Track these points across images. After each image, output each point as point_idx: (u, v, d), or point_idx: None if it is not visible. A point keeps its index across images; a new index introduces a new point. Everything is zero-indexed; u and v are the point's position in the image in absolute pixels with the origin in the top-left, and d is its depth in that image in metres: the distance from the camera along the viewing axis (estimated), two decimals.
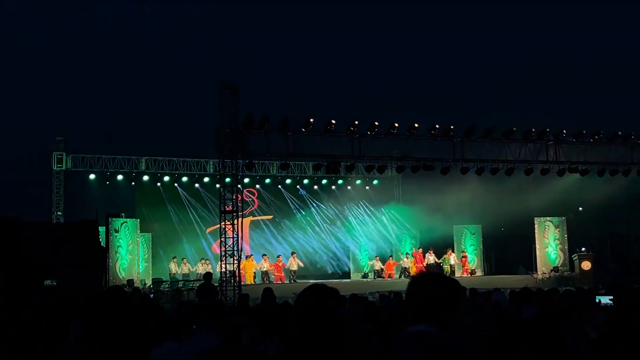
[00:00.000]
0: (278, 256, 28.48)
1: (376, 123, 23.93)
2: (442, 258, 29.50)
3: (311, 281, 27.81)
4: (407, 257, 29.46)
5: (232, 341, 6.31)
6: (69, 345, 5.75)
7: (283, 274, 27.50)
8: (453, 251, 29.97)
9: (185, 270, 27.02)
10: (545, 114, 35.91)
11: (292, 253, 28.96)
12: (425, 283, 3.23)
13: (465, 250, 30.17)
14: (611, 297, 11.68)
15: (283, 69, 48.21)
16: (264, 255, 28.15)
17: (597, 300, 11.02)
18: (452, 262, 29.53)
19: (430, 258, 29.21)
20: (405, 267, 29.04)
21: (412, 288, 3.24)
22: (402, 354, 3.00)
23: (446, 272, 28.34)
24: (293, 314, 3.64)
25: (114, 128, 41.76)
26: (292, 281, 27.08)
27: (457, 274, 28.30)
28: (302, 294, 3.42)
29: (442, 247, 30.07)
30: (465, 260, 29.79)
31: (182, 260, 27.65)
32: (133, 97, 45.22)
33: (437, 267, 28.67)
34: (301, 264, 28.79)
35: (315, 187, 33.23)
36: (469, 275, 28.80)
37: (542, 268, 29.23)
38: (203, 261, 27.77)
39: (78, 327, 5.57)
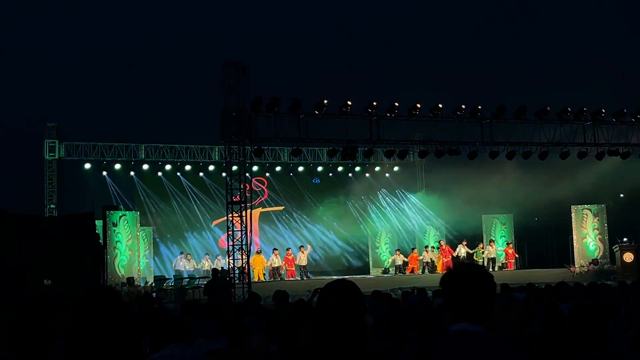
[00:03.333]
0: (287, 249, 28.62)
1: (396, 104, 23.85)
2: (475, 250, 29.42)
3: (325, 278, 27.90)
4: (428, 251, 29.29)
5: (239, 344, 6.33)
6: None
7: (294, 269, 27.62)
8: (493, 242, 29.76)
9: (190, 267, 27.12)
10: (583, 91, 35.73)
11: (301, 247, 28.96)
12: (466, 277, 3.21)
13: (512, 244, 30.00)
14: None
15: (293, 46, 48.08)
16: (275, 250, 28.20)
17: None
18: (493, 255, 29.31)
19: (463, 250, 29.16)
20: (427, 262, 28.96)
21: (452, 281, 3.22)
22: (449, 356, 2.99)
23: (480, 264, 28.32)
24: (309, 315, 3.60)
25: (111, 113, 41.87)
26: (303, 277, 27.17)
27: (489, 266, 28.25)
28: (325, 297, 3.37)
29: (472, 238, 29.97)
30: (510, 252, 29.66)
31: (187, 256, 27.79)
32: (130, 79, 45.26)
33: (470, 259, 28.62)
34: (311, 259, 28.81)
35: (331, 174, 33.24)
36: (511, 269, 28.72)
37: (580, 261, 29.11)
38: (208, 257, 27.90)
39: (59, 349, 5.39)
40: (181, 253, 27.96)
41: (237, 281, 21.63)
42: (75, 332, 4.45)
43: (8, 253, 18.60)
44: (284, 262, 27.62)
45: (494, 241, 29.79)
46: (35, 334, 5.90)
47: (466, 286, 3.18)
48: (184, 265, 27.21)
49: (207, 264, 26.85)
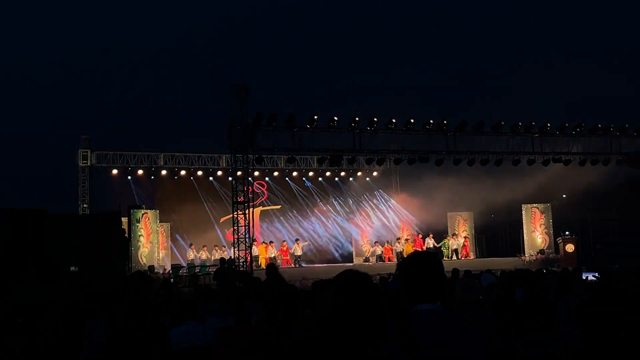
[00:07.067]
0: (283, 242, 28.58)
1: (375, 119, 23.89)
2: (442, 242, 29.43)
3: (315, 266, 27.88)
4: (400, 242, 29.20)
5: (244, 322, 6.34)
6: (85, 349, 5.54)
7: (289, 258, 27.55)
8: (455, 235, 29.65)
9: (204, 257, 27.04)
10: (532, 108, 35.96)
11: (297, 240, 28.97)
12: (426, 264, 3.19)
13: (467, 237, 30.02)
14: (595, 274, 11.69)
15: (289, 68, 48.15)
16: (271, 242, 28.16)
17: (583, 277, 10.97)
18: (456, 247, 29.18)
19: (430, 242, 29.13)
20: (400, 251, 28.87)
21: (414, 268, 3.19)
22: (422, 330, 2.97)
23: (445, 256, 28.34)
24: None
25: (134, 126, 41.80)
26: (297, 265, 27.06)
27: (453, 257, 28.27)
28: (344, 280, 3.36)
29: (440, 233, 29.97)
30: (467, 244, 29.64)
31: (202, 247, 27.72)
32: (151, 98, 45.28)
33: (436, 250, 28.62)
34: (305, 250, 28.75)
35: (320, 179, 33.18)
36: (470, 258, 28.67)
37: (529, 251, 29.18)
38: (217, 248, 27.83)
39: (100, 327, 5.32)
40: (191, 245, 27.84)
41: (241, 268, 21.59)
42: (120, 303, 4.46)
43: (47, 246, 18.52)
44: (278, 252, 27.56)
45: (456, 235, 29.81)
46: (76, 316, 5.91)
47: (421, 269, 3.16)
48: (196, 255, 27.15)
49: (216, 254, 26.76)
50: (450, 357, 2.92)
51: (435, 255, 3.35)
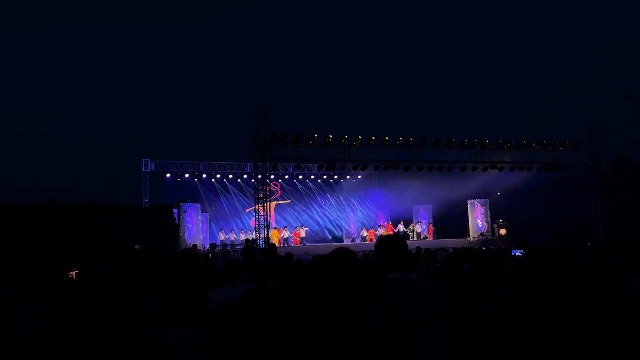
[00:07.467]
0: (295, 227, 28.47)
1: (359, 137, 23.92)
2: (409, 227, 29.39)
3: (315, 245, 27.81)
4: (381, 228, 29.25)
5: (263, 286, 6.33)
6: (143, 308, 5.53)
7: (299, 239, 27.51)
8: (419, 222, 29.52)
9: (233, 238, 27.00)
10: (474, 127, 35.96)
11: (301, 225, 28.92)
12: (395, 244, 3.18)
13: (431, 223, 29.89)
14: (521, 251, 11.69)
15: (297, 95, 48.08)
16: (285, 227, 28.15)
17: (512, 254, 10.97)
18: (419, 230, 29.12)
19: (401, 227, 29.04)
20: (380, 234, 28.74)
21: (385, 247, 3.18)
22: (391, 291, 2.97)
23: (411, 237, 28.29)
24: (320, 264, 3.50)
25: (183, 141, 41.81)
26: (302, 244, 26.95)
27: (417, 239, 28.21)
28: (336, 255, 3.36)
29: (407, 220, 29.91)
30: (431, 228, 29.58)
31: (231, 231, 27.69)
32: (197, 119, 45.20)
33: (405, 233, 28.60)
34: (306, 233, 28.70)
35: (319, 180, 33.14)
36: (430, 239, 28.55)
37: (473, 234, 29.15)
38: (243, 232, 27.77)
39: (152, 290, 5.31)
40: (221, 230, 27.81)
41: (262, 246, 21.56)
42: (169, 274, 4.44)
43: (120, 233, 18.52)
44: (292, 234, 27.53)
45: (420, 222, 29.80)
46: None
47: (390, 248, 3.16)
48: (226, 237, 27.09)
49: (242, 236, 26.72)
50: (411, 310, 2.93)
51: (400, 237, 3.34)
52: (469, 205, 29.71)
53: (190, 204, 26.73)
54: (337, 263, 3.29)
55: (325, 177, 33.10)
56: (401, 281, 3.05)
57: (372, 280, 3.17)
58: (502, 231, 27.90)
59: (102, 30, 46.83)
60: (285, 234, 27.24)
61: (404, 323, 2.86)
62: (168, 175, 29.37)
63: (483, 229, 29.34)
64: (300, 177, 32.59)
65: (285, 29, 49.73)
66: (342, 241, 30.52)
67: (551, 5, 49.45)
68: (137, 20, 48.35)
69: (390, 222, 30.23)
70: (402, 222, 29.49)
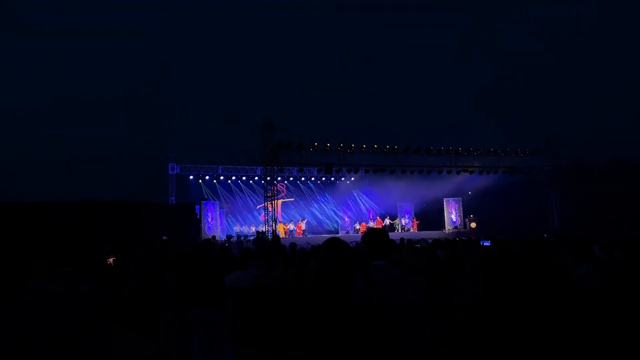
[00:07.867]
0: (299, 221, 28.39)
1: (352, 145, 23.90)
2: (394, 221, 29.34)
3: (314, 236, 27.74)
4: (371, 222, 29.21)
5: (270, 271, 6.30)
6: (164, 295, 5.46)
7: (301, 231, 27.45)
8: (404, 217, 29.42)
9: (246, 230, 26.94)
10: (449, 135, 35.93)
11: (304, 219, 28.88)
12: (379, 236, 3.18)
13: (415, 218, 29.80)
14: (489, 242, 11.66)
15: (301, 106, 47.86)
16: (291, 221, 28.10)
17: (481, 244, 10.94)
18: (403, 224, 29.03)
19: (387, 221, 28.99)
20: (371, 227, 28.59)
21: (371, 238, 3.18)
22: (376, 275, 2.96)
23: (396, 230, 28.23)
24: (319, 251, 3.52)
25: (204, 149, 41.69)
26: (304, 235, 26.93)
27: (401, 230, 28.15)
28: (330, 241, 3.35)
29: (393, 215, 29.87)
30: (415, 222, 29.49)
31: (244, 224, 27.66)
32: (213, 130, 45.06)
33: (391, 226, 28.54)
34: (307, 225, 28.65)
35: (318, 182, 33.13)
36: (413, 231, 28.58)
37: (448, 227, 29.10)
38: (254, 225, 27.72)
39: (172, 278, 5.23)
40: (236, 224, 27.77)
41: (270, 237, 21.51)
42: (192, 262, 4.39)
43: (150, 226, 18.46)
44: (296, 227, 27.46)
45: (404, 217, 29.78)
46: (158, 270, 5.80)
47: (376, 238, 3.15)
48: (240, 229, 27.02)
49: (253, 229, 26.67)
50: (394, 292, 2.93)
51: (384, 230, 3.35)
52: (445, 202, 29.68)
53: (210, 201, 26.70)
54: (331, 251, 3.30)
55: (323, 178, 33.07)
56: (384, 266, 3.06)
57: (360, 264, 3.18)
58: (473, 225, 27.88)
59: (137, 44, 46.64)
60: (290, 226, 27.21)
61: (387, 300, 2.88)
62: (191, 177, 29.31)
63: (457, 223, 29.31)
64: (303, 178, 32.57)
65: (287, 44, 49.30)
66: (338, 233, 30.48)
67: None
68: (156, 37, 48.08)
69: (378, 217, 30.19)
70: (388, 217, 29.46)
